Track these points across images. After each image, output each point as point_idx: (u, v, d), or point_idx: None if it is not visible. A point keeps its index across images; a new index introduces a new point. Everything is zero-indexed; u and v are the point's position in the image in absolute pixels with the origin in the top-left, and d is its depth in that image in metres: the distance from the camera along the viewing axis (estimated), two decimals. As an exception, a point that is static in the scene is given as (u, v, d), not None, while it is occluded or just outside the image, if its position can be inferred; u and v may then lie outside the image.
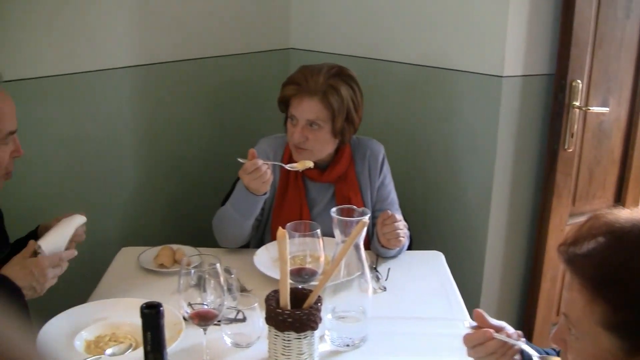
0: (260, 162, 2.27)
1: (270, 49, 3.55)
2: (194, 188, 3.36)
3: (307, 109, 2.39)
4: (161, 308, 1.18)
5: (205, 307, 1.70)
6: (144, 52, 2.98)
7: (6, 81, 2.25)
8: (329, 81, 2.38)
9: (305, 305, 1.67)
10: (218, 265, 1.66)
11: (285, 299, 1.66)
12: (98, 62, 2.81)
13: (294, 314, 1.63)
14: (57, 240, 1.86)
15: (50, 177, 2.76)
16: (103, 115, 2.91)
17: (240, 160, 2.31)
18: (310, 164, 2.38)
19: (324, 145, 2.45)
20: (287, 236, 1.62)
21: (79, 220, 1.99)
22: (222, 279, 1.66)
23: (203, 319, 1.67)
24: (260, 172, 2.26)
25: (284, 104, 2.50)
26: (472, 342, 1.58)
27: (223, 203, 2.75)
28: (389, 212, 2.34)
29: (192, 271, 1.65)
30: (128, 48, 2.92)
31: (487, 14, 2.83)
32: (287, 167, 2.40)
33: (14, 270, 1.73)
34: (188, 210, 3.34)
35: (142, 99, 3.04)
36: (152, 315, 1.17)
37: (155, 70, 3.04)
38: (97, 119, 2.89)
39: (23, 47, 2.57)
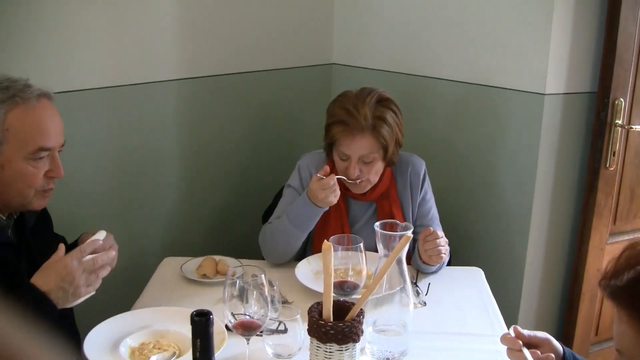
0: (334, 176, 2.31)
1: (313, 64, 3.58)
2: (236, 201, 3.39)
3: (359, 146, 2.37)
4: (211, 316, 1.21)
5: (248, 317, 1.72)
6: (190, 66, 3.04)
7: (61, 92, 2.31)
8: (375, 113, 2.35)
9: (348, 317, 1.69)
10: (263, 276, 1.68)
11: (328, 311, 1.67)
12: (145, 75, 2.86)
13: (336, 326, 1.65)
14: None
15: (95, 187, 2.81)
16: (148, 127, 2.96)
17: (319, 175, 2.33)
18: None
19: (378, 174, 2.47)
20: (332, 249, 1.64)
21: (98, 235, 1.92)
22: (266, 290, 1.68)
23: (247, 329, 1.70)
24: (335, 185, 2.31)
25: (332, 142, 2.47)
26: (504, 344, 1.67)
27: (264, 216, 2.79)
28: (431, 228, 2.35)
29: (238, 282, 1.68)
30: (174, 61, 2.98)
31: (530, 31, 2.84)
32: (349, 181, 2.41)
33: (42, 275, 1.70)
34: (230, 223, 3.38)
35: (186, 111, 3.09)
36: (202, 322, 1.20)
37: (200, 84, 3.09)
38: (142, 131, 2.94)
39: (71, 60, 2.63)
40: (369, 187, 2.46)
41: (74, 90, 2.65)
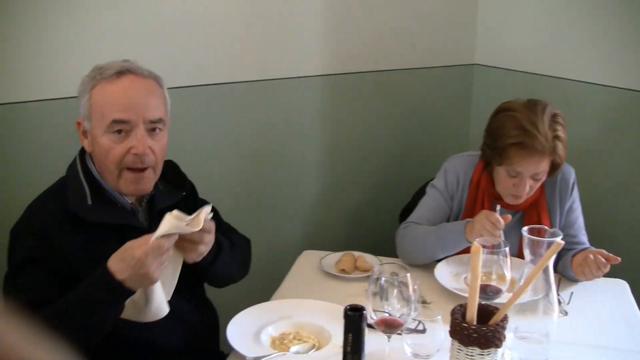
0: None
1: (454, 64, 3.54)
2: (374, 197, 3.41)
3: (536, 166, 2.29)
4: (364, 312, 1.21)
5: (387, 314, 1.72)
6: (333, 62, 3.07)
7: (201, 85, 2.38)
8: (553, 132, 2.26)
9: (491, 322, 1.66)
10: (408, 275, 1.68)
11: (472, 314, 1.65)
12: (290, 70, 2.92)
13: (479, 329, 1.63)
14: (170, 228, 1.64)
15: (237, 179, 2.88)
16: (293, 121, 3.02)
17: (497, 206, 2.29)
18: None
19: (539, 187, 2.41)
20: (481, 251, 1.62)
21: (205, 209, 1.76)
22: (410, 288, 1.68)
23: (389, 326, 1.70)
24: (496, 231, 2.20)
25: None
26: None
27: (402, 214, 2.78)
28: (604, 253, 2.26)
29: (383, 279, 1.68)
30: (319, 57, 3.01)
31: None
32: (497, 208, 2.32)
33: (115, 262, 1.62)
34: (367, 219, 3.39)
35: (329, 107, 3.13)
36: (355, 317, 1.21)
37: (343, 81, 3.12)
38: (287, 125, 3.00)
39: (221, 55, 2.71)
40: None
41: (224, 83, 2.73)
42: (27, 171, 2.40)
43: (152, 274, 1.59)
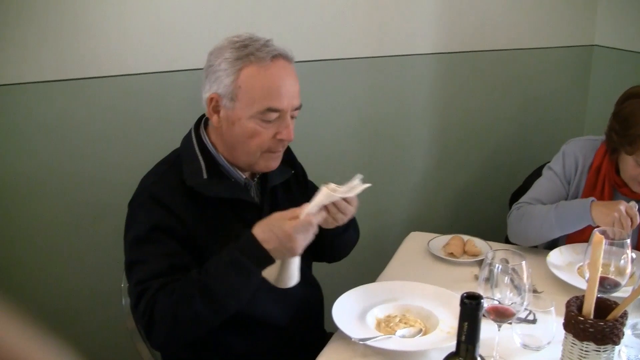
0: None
1: (573, 44, 3.41)
2: (483, 179, 3.34)
3: None
4: (482, 300, 1.17)
5: (497, 302, 1.67)
6: (449, 40, 3.02)
7: (316, 60, 2.37)
8: None
9: (610, 317, 1.59)
10: (524, 263, 1.62)
11: (590, 307, 1.58)
12: (404, 48, 2.88)
13: (597, 324, 1.55)
14: (318, 202, 1.70)
15: (345, 154, 2.87)
16: (402, 98, 2.99)
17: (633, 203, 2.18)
18: None
19: None
20: (604, 242, 1.54)
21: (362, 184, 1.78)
22: (524, 277, 1.62)
23: (500, 315, 1.64)
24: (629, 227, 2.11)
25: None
26: None
27: (512, 199, 2.71)
28: None
29: (498, 266, 1.62)
30: (435, 35, 2.96)
31: None
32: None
33: (261, 231, 1.65)
34: (475, 201, 3.34)
35: (441, 86, 3.09)
36: (472, 306, 1.16)
37: (457, 59, 3.07)
38: (399, 101, 2.97)
39: (342, 31, 2.69)
40: None
41: (339, 59, 2.71)
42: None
43: (297, 249, 1.64)
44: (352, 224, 2.02)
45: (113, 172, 2.41)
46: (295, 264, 1.71)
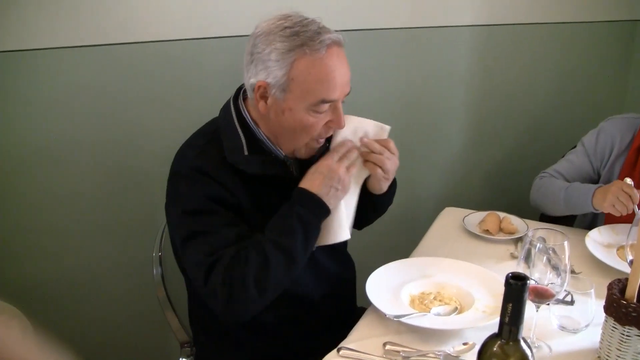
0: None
1: (615, 19, 3.33)
2: (519, 156, 3.30)
3: None
4: (528, 281, 1.13)
5: (534, 282, 1.63)
6: (487, 13, 2.96)
7: (354, 30, 2.32)
8: None
9: (655, 301, 1.55)
10: (566, 243, 1.57)
11: (633, 291, 1.54)
12: (441, 19, 2.83)
13: None
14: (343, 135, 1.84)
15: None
16: (439, 71, 2.94)
17: (629, 182, 2.16)
18: None
19: None
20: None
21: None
22: (565, 257, 1.58)
23: (540, 296, 1.60)
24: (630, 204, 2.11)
25: None
26: None
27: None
28: None
29: (539, 245, 1.58)
30: (473, 6, 2.91)
31: None
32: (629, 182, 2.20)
33: (310, 180, 1.76)
34: (510, 178, 3.30)
35: (478, 59, 3.03)
36: (517, 287, 1.13)
37: (496, 32, 3.01)
38: (433, 75, 2.92)
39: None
40: None
41: (378, 29, 2.67)
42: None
43: (342, 177, 1.76)
44: (394, 182, 2.02)
45: (148, 140, 2.39)
46: (341, 211, 1.80)
